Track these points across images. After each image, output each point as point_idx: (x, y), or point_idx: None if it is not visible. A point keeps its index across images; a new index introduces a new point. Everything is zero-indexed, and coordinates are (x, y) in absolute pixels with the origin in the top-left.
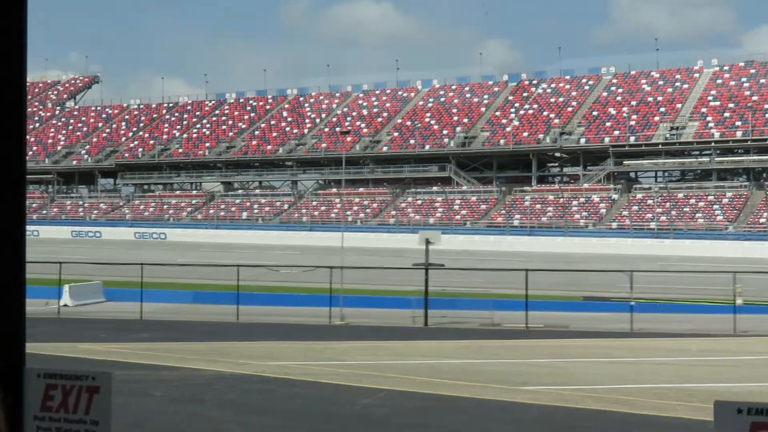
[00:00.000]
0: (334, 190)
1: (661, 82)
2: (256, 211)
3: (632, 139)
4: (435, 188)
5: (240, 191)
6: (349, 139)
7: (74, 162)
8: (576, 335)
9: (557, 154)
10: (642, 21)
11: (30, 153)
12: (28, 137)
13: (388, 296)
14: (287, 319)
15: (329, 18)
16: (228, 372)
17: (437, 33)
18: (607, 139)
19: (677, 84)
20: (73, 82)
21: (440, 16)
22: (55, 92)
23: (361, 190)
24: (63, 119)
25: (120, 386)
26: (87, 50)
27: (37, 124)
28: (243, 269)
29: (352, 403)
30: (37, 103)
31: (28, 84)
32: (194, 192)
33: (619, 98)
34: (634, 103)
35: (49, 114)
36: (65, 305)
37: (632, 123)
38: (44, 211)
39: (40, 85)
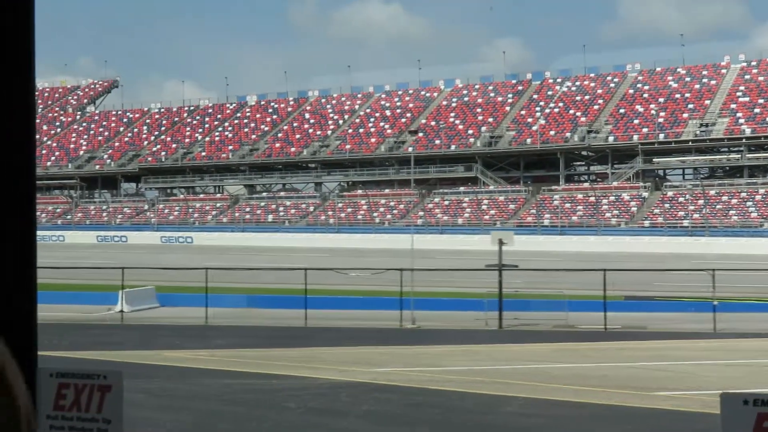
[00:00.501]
0: (359, 191)
1: (687, 79)
2: (281, 213)
3: (661, 136)
4: (462, 188)
5: (264, 194)
6: (416, 137)
7: (97, 167)
8: (660, 336)
9: (584, 153)
10: (649, 17)
11: (53, 158)
12: (50, 143)
13: (454, 298)
14: (356, 322)
15: (337, 19)
16: (341, 380)
17: (446, 33)
18: (635, 137)
19: (704, 80)
20: (92, 86)
21: (448, 16)
22: (75, 97)
23: (386, 191)
24: (84, 124)
25: (245, 397)
26: (105, 55)
27: (59, 129)
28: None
29: (494, 412)
30: (57, 108)
31: (48, 89)
32: (218, 195)
33: (645, 95)
34: (661, 100)
35: (70, 119)
36: (121, 311)
37: (660, 120)
38: (68, 216)
39: (60, 90)
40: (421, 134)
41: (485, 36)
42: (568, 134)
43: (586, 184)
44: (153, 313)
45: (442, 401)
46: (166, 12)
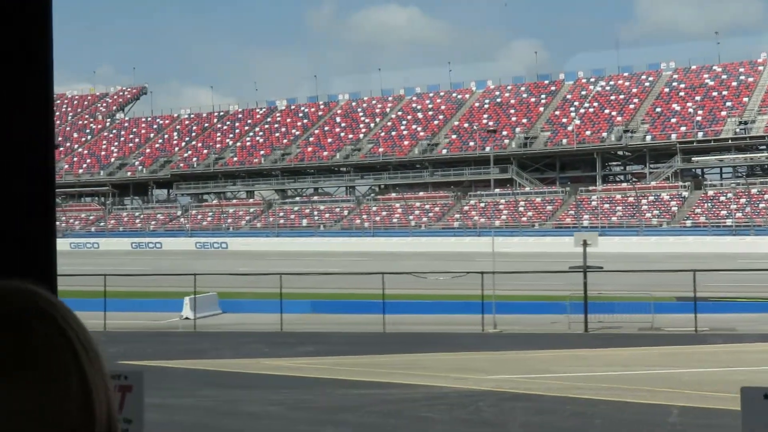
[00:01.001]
0: (393, 194)
1: (724, 76)
2: (316, 218)
3: (700, 135)
4: (497, 190)
5: (297, 198)
6: (495, 136)
7: (129, 173)
8: (759, 339)
9: (620, 153)
10: (664, 17)
11: (84, 165)
12: (81, 150)
13: (529, 301)
14: (436, 327)
15: (355, 23)
16: (465, 389)
17: (463, 35)
18: (674, 136)
19: (741, 77)
20: (121, 93)
21: (465, 18)
22: (104, 104)
23: (421, 194)
24: (114, 131)
25: (389, 408)
26: (132, 63)
27: (89, 137)
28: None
29: (659, 422)
30: (87, 116)
31: (77, 97)
32: (251, 200)
33: (682, 93)
34: (698, 98)
35: (100, 126)
36: (186, 318)
37: (699, 118)
38: (102, 223)
39: (89, 97)
40: (488, 132)
41: (502, 37)
42: (604, 134)
43: (624, 184)
44: (219, 320)
45: (601, 411)
46: (184, 19)
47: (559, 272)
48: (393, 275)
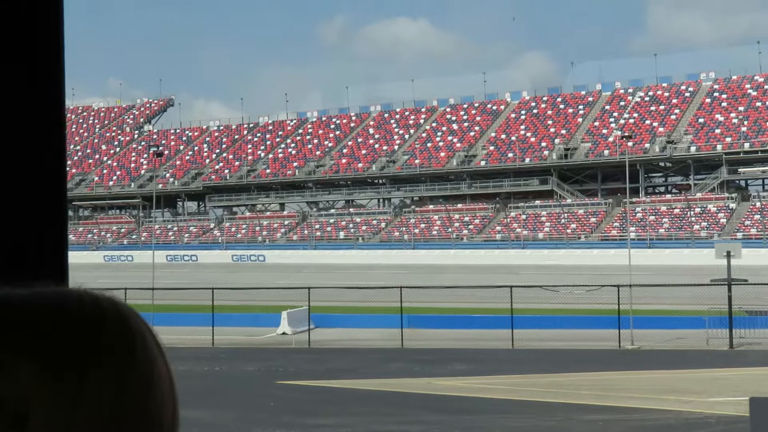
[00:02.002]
0: (431, 206)
1: (767, 86)
2: (352, 230)
3: (746, 145)
4: (538, 202)
5: (333, 210)
6: (631, 144)
7: (160, 185)
8: None
9: (662, 164)
10: (678, 28)
11: (114, 178)
12: (110, 162)
13: (666, 316)
14: (567, 344)
15: (366, 36)
16: (705, 413)
17: (475, 46)
18: (719, 147)
19: None
20: (147, 105)
21: (474, 31)
22: (131, 116)
23: (459, 206)
24: (143, 143)
25: None
26: (159, 74)
27: (117, 149)
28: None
29: None
30: (114, 128)
31: (103, 109)
32: (285, 212)
33: (724, 104)
34: (741, 108)
35: (128, 138)
36: (283, 333)
37: (744, 129)
38: (134, 236)
39: (116, 109)
40: (631, 144)
41: (512, 49)
42: (647, 145)
43: (668, 196)
44: (317, 334)
45: None
46: (194, 32)
47: (702, 285)
48: (520, 287)
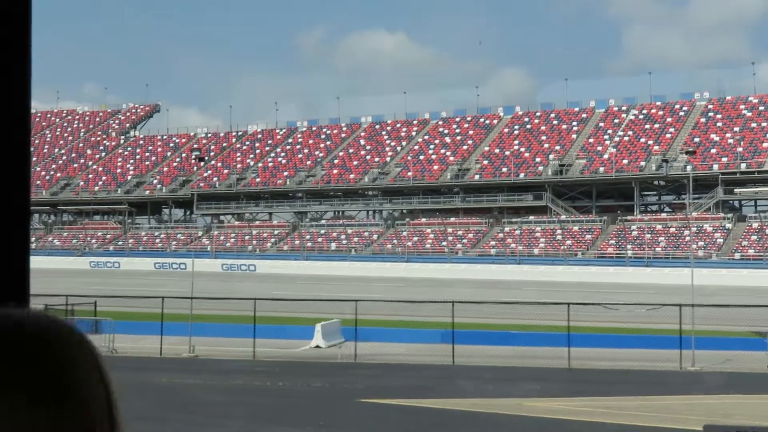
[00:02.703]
0: (424, 219)
1: (762, 108)
2: (344, 241)
3: (743, 166)
4: (532, 217)
5: (323, 221)
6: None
7: (147, 192)
8: None
9: (656, 182)
10: (652, 49)
11: (100, 183)
12: (96, 167)
13: (723, 337)
14: (626, 364)
15: (343, 48)
16: None
17: (449, 62)
18: (715, 167)
19: None
20: (133, 111)
21: (451, 46)
22: (117, 121)
23: (452, 219)
24: (129, 148)
25: None
26: (147, 79)
27: (103, 154)
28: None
29: None
30: (100, 133)
31: (88, 113)
32: (275, 222)
33: (719, 124)
34: (737, 129)
35: (113, 143)
36: (317, 346)
37: (740, 150)
38: (120, 243)
39: (101, 114)
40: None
41: (488, 65)
42: (642, 163)
43: (663, 215)
44: (351, 348)
45: None
46: (173, 39)
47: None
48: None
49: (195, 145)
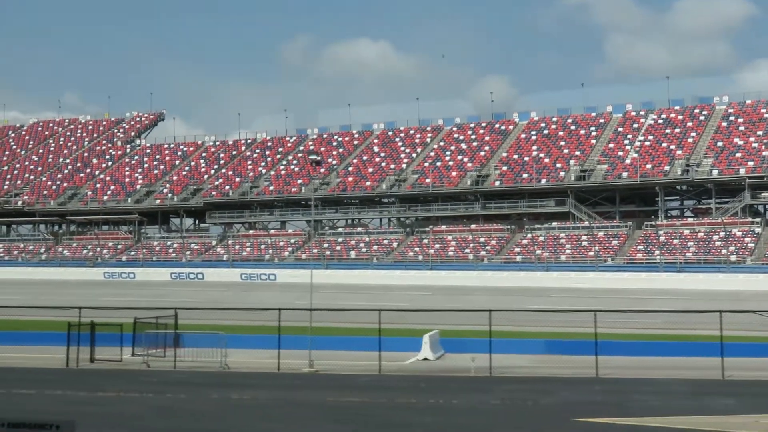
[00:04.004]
0: (443, 227)
1: None
2: (363, 249)
3: None
4: (555, 223)
5: (340, 229)
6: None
7: (157, 201)
8: None
9: (679, 187)
10: (636, 57)
11: (108, 192)
12: (103, 176)
13: None
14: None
15: (327, 57)
16: None
17: (436, 70)
18: (742, 171)
19: None
20: (138, 119)
21: (438, 54)
22: (122, 130)
23: (473, 226)
24: (136, 157)
25: None
26: (151, 88)
27: (110, 163)
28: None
29: None
30: (105, 142)
31: (91, 122)
32: (291, 231)
33: (742, 128)
34: (760, 132)
35: (120, 152)
36: (425, 358)
37: (765, 153)
38: (132, 253)
39: (104, 123)
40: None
41: (473, 73)
42: (666, 168)
43: (690, 219)
44: (455, 361)
45: None
46: (153, 45)
47: None
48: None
49: (312, 147)
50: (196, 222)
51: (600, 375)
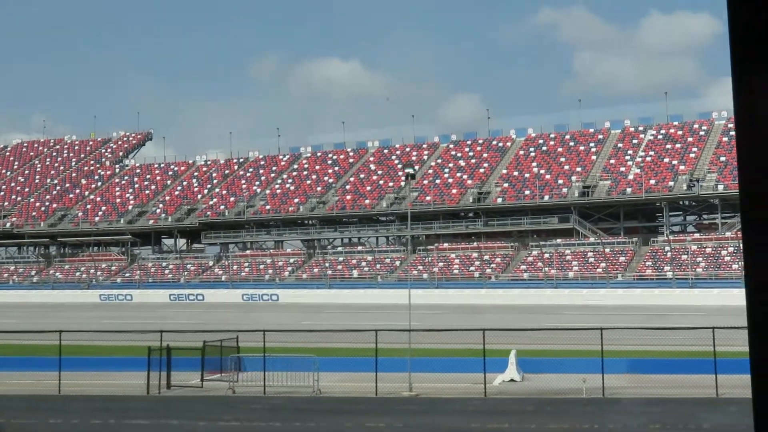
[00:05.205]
0: (446, 244)
1: None
2: (365, 268)
3: None
4: (559, 240)
5: (339, 248)
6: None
7: (150, 221)
8: None
9: (682, 203)
10: (604, 74)
11: (100, 213)
12: (93, 197)
13: None
14: None
15: (299, 76)
16: None
17: (405, 89)
18: None
19: None
20: (125, 139)
21: (405, 74)
22: (109, 150)
23: (475, 244)
24: (126, 177)
25: None
26: (145, 107)
27: (99, 183)
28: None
29: None
30: (92, 162)
31: (77, 142)
32: (290, 250)
33: None
34: None
35: (109, 172)
36: (511, 380)
37: None
38: (127, 274)
39: (91, 143)
40: None
41: (442, 91)
42: (670, 183)
43: (697, 235)
44: (543, 382)
45: None
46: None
47: None
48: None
49: (410, 160)
50: (188, 242)
51: (720, 395)
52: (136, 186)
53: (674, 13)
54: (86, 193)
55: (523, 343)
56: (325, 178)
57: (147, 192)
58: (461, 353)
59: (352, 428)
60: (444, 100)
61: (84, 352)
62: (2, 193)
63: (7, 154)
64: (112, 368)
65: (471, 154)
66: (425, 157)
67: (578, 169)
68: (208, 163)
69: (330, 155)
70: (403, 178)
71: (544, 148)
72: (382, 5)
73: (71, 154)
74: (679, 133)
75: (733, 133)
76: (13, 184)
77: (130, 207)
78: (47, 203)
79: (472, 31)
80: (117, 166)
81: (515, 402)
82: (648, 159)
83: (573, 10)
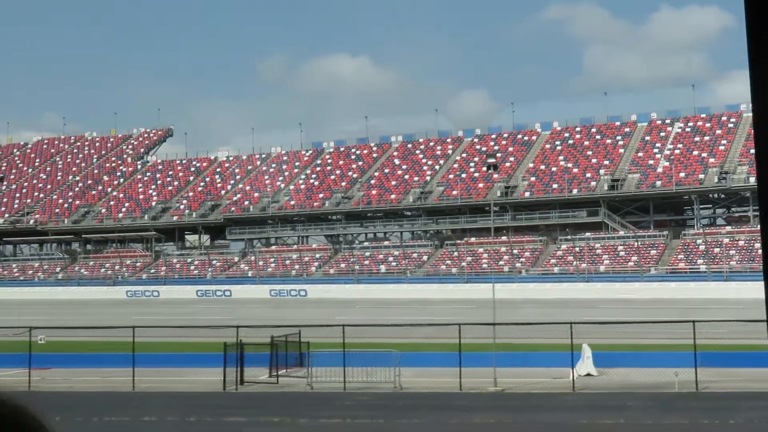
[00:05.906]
0: (473, 239)
1: None
2: (393, 263)
3: None
4: (588, 234)
5: (366, 243)
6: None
7: (175, 218)
8: None
9: (712, 195)
10: (614, 69)
11: (123, 210)
12: (116, 193)
13: None
14: None
15: (305, 73)
16: None
17: (412, 86)
18: None
19: None
20: (146, 135)
21: (412, 70)
22: (130, 146)
23: (503, 238)
24: (148, 174)
25: None
26: (159, 104)
27: (121, 180)
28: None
29: None
30: (114, 158)
31: (98, 138)
32: (315, 246)
33: None
34: None
35: (131, 169)
36: (588, 374)
37: None
38: (152, 270)
39: (112, 140)
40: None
41: (452, 88)
42: (701, 176)
43: (728, 228)
44: (619, 376)
45: None
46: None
47: None
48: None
49: (490, 152)
50: (212, 238)
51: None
52: (159, 182)
53: (684, 8)
54: (109, 189)
55: (583, 337)
56: (349, 173)
57: (170, 188)
58: (532, 348)
59: (458, 425)
60: (453, 96)
61: (149, 349)
62: (24, 190)
63: (28, 151)
64: (177, 364)
65: (496, 147)
66: (449, 152)
67: (606, 162)
68: (230, 158)
69: (353, 150)
70: (428, 172)
71: (570, 141)
72: (395, 1)
73: (92, 151)
74: (707, 125)
75: None
76: (35, 181)
77: (153, 203)
78: (70, 200)
79: (478, 27)
80: (139, 162)
81: (610, 397)
82: (677, 151)
83: (581, 6)
